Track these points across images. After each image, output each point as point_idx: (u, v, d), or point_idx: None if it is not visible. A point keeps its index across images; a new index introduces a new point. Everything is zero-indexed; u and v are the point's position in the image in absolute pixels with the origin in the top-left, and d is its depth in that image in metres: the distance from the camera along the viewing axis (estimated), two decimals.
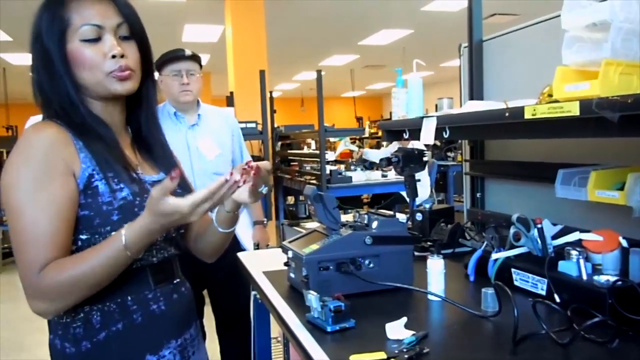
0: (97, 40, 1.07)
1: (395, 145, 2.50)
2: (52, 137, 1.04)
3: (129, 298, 1.10)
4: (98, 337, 1.07)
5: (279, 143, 6.20)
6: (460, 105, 2.21)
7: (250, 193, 1.12)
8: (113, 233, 1.04)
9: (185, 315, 1.22)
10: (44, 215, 0.99)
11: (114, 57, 1.07)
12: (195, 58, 2.46)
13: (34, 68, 1.10)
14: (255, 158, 3.12)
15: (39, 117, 2.08)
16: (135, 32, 1.13)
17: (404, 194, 4.97)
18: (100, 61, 1.07)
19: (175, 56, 2.41)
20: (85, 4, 1.07)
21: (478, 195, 2.26)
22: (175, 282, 1.22)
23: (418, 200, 2.14)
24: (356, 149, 6.24)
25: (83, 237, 1.05)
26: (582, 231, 1.39)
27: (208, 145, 2.45)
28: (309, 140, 7.65)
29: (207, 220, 1.25)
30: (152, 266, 1.14)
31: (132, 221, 1.00)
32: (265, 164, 1.12)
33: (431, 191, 5.10)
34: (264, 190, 1.14)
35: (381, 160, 2.06)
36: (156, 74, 2.48)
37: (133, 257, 1.01)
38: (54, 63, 1.07)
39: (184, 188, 1.17)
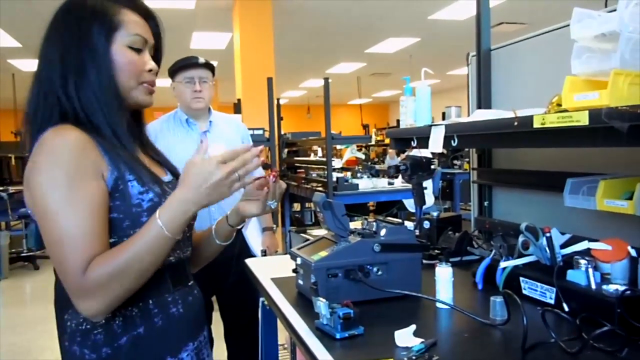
0: (140, 51, 1.14)
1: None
2: (79, 140, 1.03)
3: (150, 302, 1.11)
4: (119, 342, 1.07)
5: (286, 150, 6.22)
6: (468, 114, 2.21)
7: (261, 204, 1.24)
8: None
9: (199, 317, 1.24)
10: (81, 215, 0.99)
11: (150, 71, 1.15)
12: (208, 66, 2.49)
13: (57, 67, 1.08)
14: (263, 165, 3.14)
15: None
16: (159, 54, 1.22)
17: (405, 202, 5.00)
18: (140, 71, 1.13)
19: (188, 63, 2.44)
20: (135, 16, 1.14)
21: (486, 203, 2.26)
22: (189, 284, 1.24)
23: (423, 208, 2.15)
24: (363, 156, 6.26)
25: (112, 240, 1.05)
26: (590, 240, 1.39)
27: (219, 152, 2.47)
28: (315, 148, 7.67)
29: (202, 234, 1.34)
30: (169, 268, 1.15)
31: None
32: (282, 184, 1.26)
33: (436, 199, 5.11)
34: (272, 205, 1.24)
35: (389, 167, 2.07)
36: (169, 81, 2.51)
37: (173, 235, 1.01)
38: (98, 59, 1.08)
39: None
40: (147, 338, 1.09)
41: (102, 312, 1.01)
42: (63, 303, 1.10)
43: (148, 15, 1.18)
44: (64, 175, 0.99)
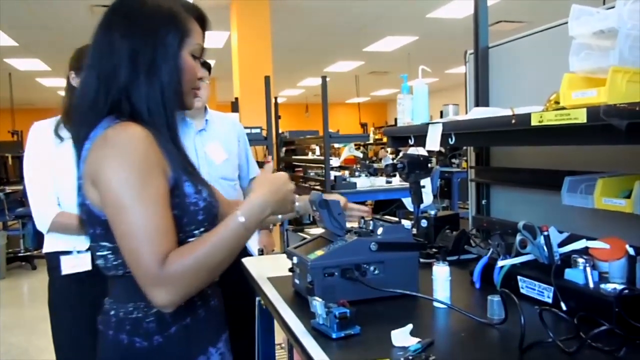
0: (197, 59, 1.21)
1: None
2: (146, 136, 1.05)
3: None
4: (170, 331, 1.12)
5: (284, 149, 6.22)
6: (466, 112, 2.21)
7: None
8: (197, 231, 1.13)
9: (224, 310, 1.33)
10: (154, 211, 1.01)
11: (200, 79, 1.22)
12: (205, 65, 2.47)
13: (126, 62, 1.09)
14: (260, 163, 3.12)
15: (42, 122, 2.07)
16: None
17: (405, 200, 5.00)
18: (196, 78, 1.22)
19: None
20: (198, 27, 1.22)
21: (483, 202, 2.25)
22: (216, 279, 1.27)
23: (421, 207, 2.14)
24: (360, 154, 6.25)
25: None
26: (588, 239, 1.38)
27: (216, 151, 2.45)
28: (313, 146, 7.66)
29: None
30: None
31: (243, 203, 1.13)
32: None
33: (434, 197, 5.10)
34: None
35: (386, 166, 2.06)
36: None
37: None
38: (169, 61, 1.12)
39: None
40: (193, 328, 1.16)
41: (176, 303, 1.03)
42: (98, 295, 1.19)
43: (205, 29, 1.26)
44: (135, 171, 1.02)
